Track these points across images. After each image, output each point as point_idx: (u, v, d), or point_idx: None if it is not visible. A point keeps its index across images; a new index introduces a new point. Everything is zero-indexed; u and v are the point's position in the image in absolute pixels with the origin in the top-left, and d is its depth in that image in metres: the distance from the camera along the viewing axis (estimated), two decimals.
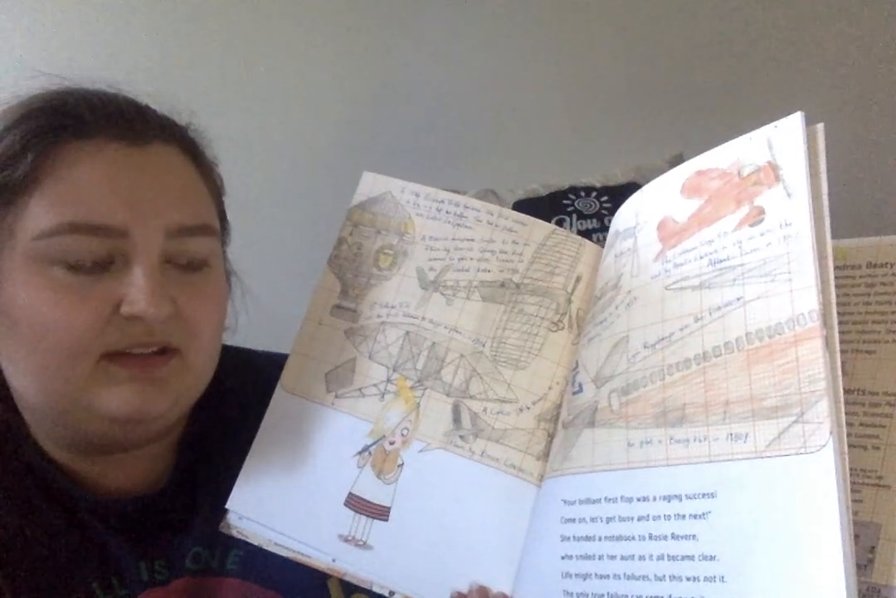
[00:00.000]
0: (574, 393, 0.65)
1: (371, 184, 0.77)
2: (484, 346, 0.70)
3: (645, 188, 0.66)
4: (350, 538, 0.68)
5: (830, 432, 0.48)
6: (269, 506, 0.71)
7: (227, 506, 0.71)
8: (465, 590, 0.64)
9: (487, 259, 0.72)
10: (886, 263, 0.60)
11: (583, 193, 1.37)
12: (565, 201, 1.35)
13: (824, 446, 0.48)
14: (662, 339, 0.58)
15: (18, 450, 0.69)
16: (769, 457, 0.50)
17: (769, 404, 0.51)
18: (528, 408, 0.68)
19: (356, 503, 0.69)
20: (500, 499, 0.66)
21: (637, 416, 0.58)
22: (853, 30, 1.62)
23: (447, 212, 0.74)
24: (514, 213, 0.73)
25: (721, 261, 0.57)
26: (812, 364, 0.50)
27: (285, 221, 1.58)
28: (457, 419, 0.69)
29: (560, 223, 1.32)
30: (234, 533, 0.71)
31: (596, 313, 0.67)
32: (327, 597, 0.73)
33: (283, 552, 0.70)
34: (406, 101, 1.64)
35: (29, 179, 0.61)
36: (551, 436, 0.67)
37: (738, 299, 0.55)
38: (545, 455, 0.67)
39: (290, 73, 1.63)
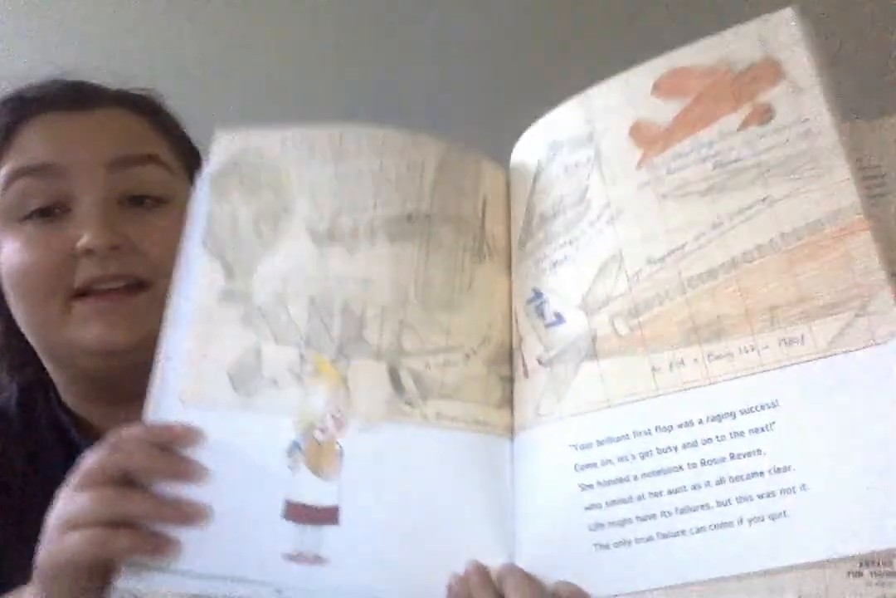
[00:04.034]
0: (549, 325, 0.57)
1: (227, 144, 0.62)
2: (407, 292, 0.59)
3: (590, 92, 0.59)
4: (297, 554, 0.54)
5: None
6: (182, 544, 0.54)
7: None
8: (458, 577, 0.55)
9: (384, 192, 0.60)
10: None
11: None
12: None
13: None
14: (673, 251, 0.53)
15: (47, 407, 0.75)
16: (834, 355, 0.48)
17: (823, 301, 0.49)
18: (475, 353, 0.59)
19: (297, 512, 0.55)
20: (471, 463, 0.57)
21: (658, 337, 0.53)
22: None
23: (322, 149, 0.61)
24: (402, 132, 0.62)
25: (730, 162, 0.53)
26: (865, 256, 0.49)
27: None
28: (396, 384, 0.57)
29: None
30: None
31: (554, 234, 0.59)
32: None
33: None
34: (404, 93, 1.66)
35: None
36: (504, 379, 0.59)
37: (764, 200, 0.52)
38: (506, 402, 0.59)
39: (285, 60, 1.67)
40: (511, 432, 0.58)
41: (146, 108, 0.74)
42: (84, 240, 0.64)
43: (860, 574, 0.48)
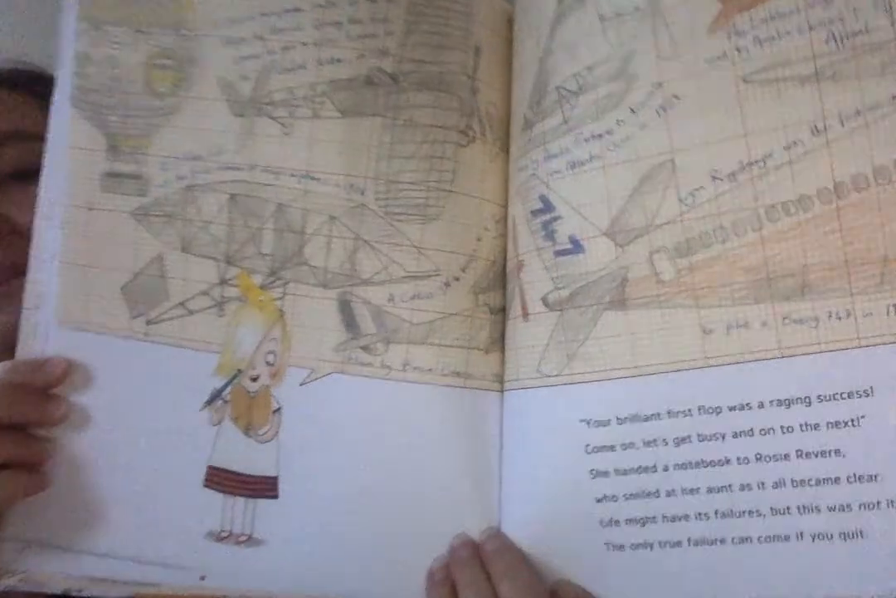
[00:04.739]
0: (560, 253, 0.42)
1: None
2: (363, 193, 0.43)
3: None
4: (226, 533, 0.44)
5: None
6: (77, 519, 0.44)
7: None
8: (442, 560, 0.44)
9: (334, 39, 0.43)
10: None
11: None
12: None
13: None
14: (750, 164, 0.37)
15: None
16: None
17: None
18: (458, 279, 0.44)
19: (222, 480, 0.44)
20: (448, 425, 0.44)
21: (715, 288, 0.38)
22: None
23: None
24: None
25: (852, 36, 0.36)
26: None
27: None
28: (350, 322, 0.43)
29: None
30: (12, 583, 0.43)
31: (576, 119, 0.41)
32: None
33: (113, 592, 0.43)
34: None
35: None
36: (494, 311, 0.45)
37: (895, 99, 0.35)
38: (496, 344, 0.45)
39: None
40: (501, 382, 0.45)
41: (18, 81, 0.67)
42: None
43: None
